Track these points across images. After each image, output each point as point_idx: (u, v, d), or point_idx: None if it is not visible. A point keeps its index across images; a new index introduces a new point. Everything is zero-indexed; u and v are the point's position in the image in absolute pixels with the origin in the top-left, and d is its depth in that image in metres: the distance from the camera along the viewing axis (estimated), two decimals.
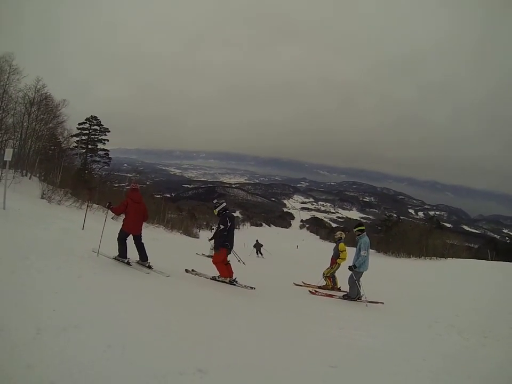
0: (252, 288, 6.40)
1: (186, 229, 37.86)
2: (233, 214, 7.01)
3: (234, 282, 6.56)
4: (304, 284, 8.34)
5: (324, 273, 8.34)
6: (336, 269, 8.28)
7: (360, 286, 6.79)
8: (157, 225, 26.54)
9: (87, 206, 10.80)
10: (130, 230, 5.93)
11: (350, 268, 6.85)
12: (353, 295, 6.85)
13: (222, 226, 6.47)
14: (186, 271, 6.84)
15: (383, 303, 6.61)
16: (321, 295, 7.18)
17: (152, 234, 17.92)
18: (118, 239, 5.90)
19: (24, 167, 17.50)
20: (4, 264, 3.73)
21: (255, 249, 20.18)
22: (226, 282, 6.50)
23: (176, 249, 13.56)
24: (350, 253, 7.82)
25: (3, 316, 2.54)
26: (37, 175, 18.62)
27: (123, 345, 2.58)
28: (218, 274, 6.57)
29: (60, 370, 2.05)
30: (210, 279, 6.61)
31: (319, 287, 8.08)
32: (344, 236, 8.76)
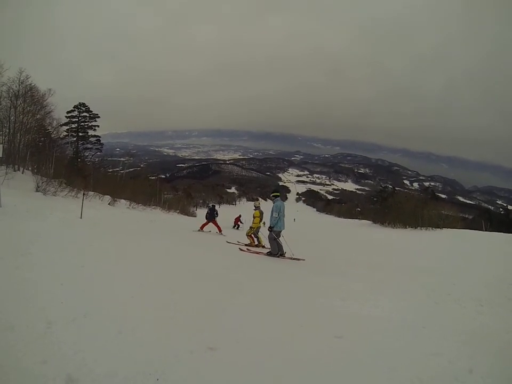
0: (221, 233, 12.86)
1: (183, 209, 37.82)
2: (214, 204, 14.37)
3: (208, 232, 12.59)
4: (238, 243, 10.12)
5: (246, 233, 10.27)
6: (255, 230, 10.05)
7: (281, 244, 7.89)
8: (154, 207, 26.63)
9: (83, 195, 10.75)
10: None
11: (268, 228, 8.00)
12: (275, 251, 7.92)
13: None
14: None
15: (304, 259, 7.55)
16: (251, 253, 8.45)
17: (149, 216, 18.03)
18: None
19: (16, 161, 17.15)
20: (6, 261, 3.72)
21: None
22: (202, 231, 12.76)
23: (172, 229, 13.77)
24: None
25: (12, 313, 2.55)
26: (29, 168, 18.35)
27: (133, 329, 2.65)
28: (199, 228, 12.96)
29: (75, 361, 2.09)
30: (197, 231, 12.78)
31: (246, 245, 9.70)
32: (260, 204, 10.50)
